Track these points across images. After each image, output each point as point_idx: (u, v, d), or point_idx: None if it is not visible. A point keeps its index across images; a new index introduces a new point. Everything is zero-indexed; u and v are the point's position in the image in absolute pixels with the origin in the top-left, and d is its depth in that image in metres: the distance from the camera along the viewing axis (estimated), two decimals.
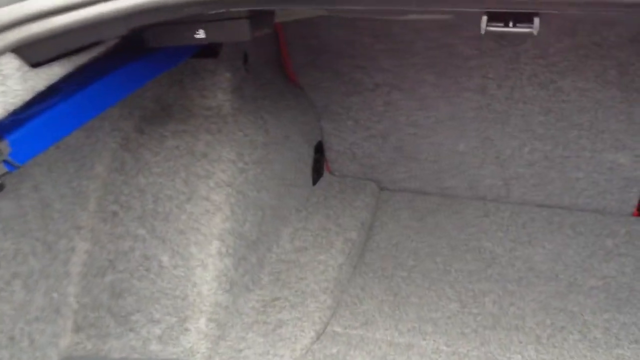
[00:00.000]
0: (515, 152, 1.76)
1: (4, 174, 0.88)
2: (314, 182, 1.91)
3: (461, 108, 1.74)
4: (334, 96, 1.83)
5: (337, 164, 1.99)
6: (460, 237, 1.77)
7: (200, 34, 0.99)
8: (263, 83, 1.69)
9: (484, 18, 0.79)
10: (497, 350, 1.35)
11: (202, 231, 1.34)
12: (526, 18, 0.80)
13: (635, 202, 1.75)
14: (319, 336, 1.38)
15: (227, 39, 0.97)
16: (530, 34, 0.82)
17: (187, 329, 1.28)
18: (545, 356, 1.33)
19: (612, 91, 1.54)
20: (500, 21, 0.80)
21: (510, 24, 0.81)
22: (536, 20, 0.80)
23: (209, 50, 1.35)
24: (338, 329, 1.42)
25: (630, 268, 1.61)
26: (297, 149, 1.76)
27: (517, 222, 1.80)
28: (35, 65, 0.87)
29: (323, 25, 1.68)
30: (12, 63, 0.85)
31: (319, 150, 1.94)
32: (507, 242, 1.74)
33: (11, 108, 0.86)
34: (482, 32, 0.80)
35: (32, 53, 0.85)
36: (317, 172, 1.93)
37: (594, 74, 1.53)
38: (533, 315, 1.46)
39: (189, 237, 1.33)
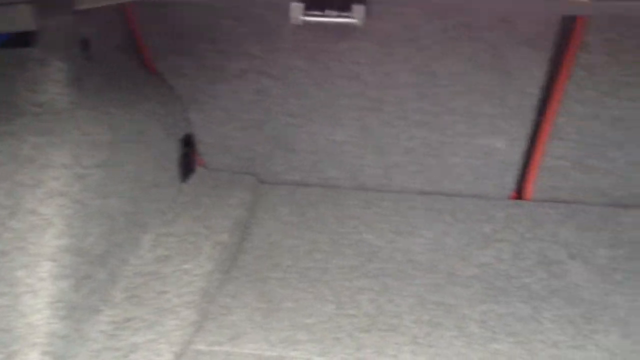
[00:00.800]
0: (394, 140, 1.69)
1: None
2: (183, 179, 1.75)
3: (335, 95, 1.64)
4: (199, 84, 1.66)
5: (211, 157, 1.83)
6: (341, 231, 1.68)
7: None
8: (111, 73, 1.50)
9: (296, 5, 0.67)
10: (372, 355, 1.28)
11: (29, 251, 1.14)
12: (345, 5, 0.69)
13: (513, 186, 1.74)
14: (178, 358, 1.24)
15: (9, 28, 0.79)
16: (355, 26, 0.71)
17: None
18: (421, 357, 1.27)
19: (485, 74, 1.48)
20: (318, 9, 0.68)
21: (330, 14, 0.69)
22: (359, 9, 0.69)
23: (19, 38, 1.14)
24: (202, 347, 1.29)
25: (508, 254, 1.59)
26: (157, 145, 1.59)
27: (398, 211, 1.74)
28: None
29: (178, 7, 1.50)
30: None
31: (188, 143, 1.77)
32: (387, 233, 1.67)
33: None
34: (295, 22, 0.68)
35: None
36: (187, 167, 1.76)
37: (466, 57, 1.47)
38: (410, 312, 1.40)
39: (14, 259, 1.14)
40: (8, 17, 0.77)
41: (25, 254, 1.14)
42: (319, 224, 1.71)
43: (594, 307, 1.41)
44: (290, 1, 0.66)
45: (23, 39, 1.14)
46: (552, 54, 1.42)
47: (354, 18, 0.69)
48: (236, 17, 1.51)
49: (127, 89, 1.53)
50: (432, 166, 1.73)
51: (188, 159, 1.77)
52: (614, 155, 1.59)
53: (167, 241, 1.51)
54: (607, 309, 1.40)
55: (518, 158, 1.67)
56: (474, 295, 1.45)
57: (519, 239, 1.63)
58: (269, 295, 1.45)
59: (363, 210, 1.75)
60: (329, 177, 1.82)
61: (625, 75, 1.42)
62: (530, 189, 1.74)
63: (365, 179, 1.80)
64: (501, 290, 1.47)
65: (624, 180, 1.64)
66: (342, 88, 1.61)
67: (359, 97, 1.63)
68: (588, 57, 1.41)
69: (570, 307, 1.41)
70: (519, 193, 1.77)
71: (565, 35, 1.40)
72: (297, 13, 0.68)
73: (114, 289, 1.34)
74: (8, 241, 1.14)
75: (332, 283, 1.49)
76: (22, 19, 0.77)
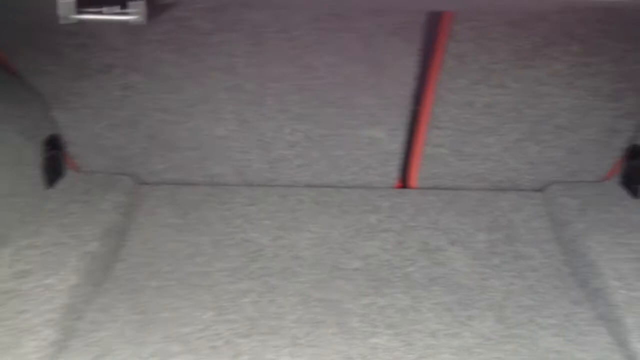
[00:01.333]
0: (276, 134, 1.64)
1: None
2: (50, 184, 1.61)
3: (212, 89, 1.56)
4: (60, 81, 1.53)
5: (83, 159, 1.71)
6: (225, 231, 1.62)
7: None
8: None
9: (65, 2, 0.60)
10: None
11: None
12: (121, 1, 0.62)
13: (397, 175, 1.75)
14: None
15: None
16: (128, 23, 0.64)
17: None
18: (300, 359, 1.25)
19: (360, 66, 1.46)
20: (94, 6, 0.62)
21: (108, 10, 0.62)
22: (137, 4, 0.63)
23: None
24: None
25: (392, 243, 1.59)
26: (12, 150, 1.45)
27: (285, 206, 1.70)
28: None
29: None
30: None
31: (55, 145, 1.63)
32: (273, 230, 1.63)
33: None
34: (67, 21, 0.61)
35: None
36: (53, 172, 1.63)
37: (338, 48, 1.44)
38: (292, 311, 1.37)
39: None
40: None
41: None
42: (202, 225, 1.64)
43: (471, 292, 1.44)
44: None
45: None
46: (421, 44, 1.42)
47: (133, 15, 0.63)
48: None
49: None
50: (318, 159, 1.70)
51: (55, 163, 1.63)
52: (488, 141, 1.63)
53: (28, 254, 1.39)
54: (483, 294, 1.43)
55: (399, 148, 1.67)
56: (357, 288, 1.45)
57: (403, 228, 1.64)
58: (144, 306, 1.37)
59: (248, 208, 1.69)
60: (214, 174, 1.75)
61: (493, 63, 1.45)
62: (414, 177, 1.75)
63: (251, 174, 1.75)
64: (384, 281, 1.47)
65: (500, 165, 1.69)
66: (219, 82, 1.54)
67: (237, 91, 1.56)
68: (457, 46, 1.42)
69: (449, 294, 1.43)
70: (403, 182, 1.78)
71: (434, 25, 1.40)
72: (68, 11, 0.61)
73: None
74: None
75: (214, 288, 1.43)
76: None
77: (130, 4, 0.60)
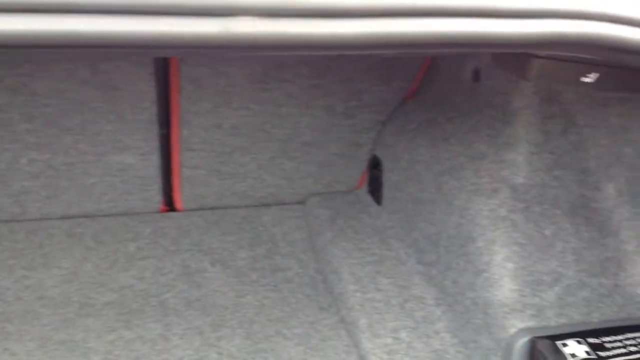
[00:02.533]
0: (13, 166, 1.52)
1: None
2: None
3: None
4: None
5: None
6: None
7: None
8: None
9: None
10: None
11: None
12: None
13: (159, 198, 1.72)
14: None
15: None
16: None
17: None
18: None
19: (90, 91, 1.41)
20: None
21: None
22: None
23: None
24: None
25: (150, 271, 1.56)
26: None
27: (33, 242, 1.58)
28: None
29: None
30: None
31: None
32: (18, 270, 1.50)
33: None
34: None
35: None
36: None
37: (66, 74, 1.38)
38: (27, 358, 1.28)
39: None
40: None
41: None
42: None
43: (225, 312, 1.46)
44: None
45: None
46: (155, 68, 1.41)
47: None
48: None
49: None
50: (67, 188, 1.61)
51: None
52: (244, 160, 1.67)
53: None
54: (236, 312, 1.46)
55: (156, 171, 1.64)
56: (105, 324, 1.39)
57: (163, 253, 1.62)
58: None
59: None
60: None
61: (230, 86, 1.48)
62: (179, 199, 1.74)
63: None
64: (137, 312, 1.43)
65: (259, 182, 1.74)
66: None
67: None
68: (191, 70, 1.43)
69: (203, 317, 1.43)
70: (169, 205, 1.76)
71: None
72: None
73: None
74: None
75: None
76: None
77: None
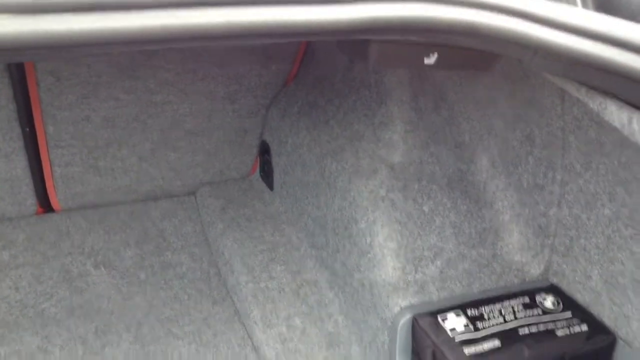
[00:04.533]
0: None
1: None
2: None
3: None
4: None
5: None
6: None
7: None
8: None
9: None
10: None
11: None
12: None
13: (34, 200, 1.59)
14: None
15: None
16: None
17: None
18: None
19: None
20: None
21: None
22: None
23: None
24: None
25: (27, 280, 1.44)
26: None
27: None
28: None
29: None
30: None
31: None
32: None
33: None
34: None
35: None
36: None
37: None
38: None
39: None
40: None
41: None
42: None
43: (111, 316, 1.38)
44: None
45: None
46: (5, 64, 1.28)
47: None
48: None
49: None
50: None
51: None
52: (122, 154, 1.58)
53: None
54: (123, 315, 1.38)
55: (25, 173, 1.52)
56: None
57: (41, 260, 1.50)
58: None
59: None
60: None
61: (95, 76, 1.38)
62: (55, 200, 1.62)
63: None
64: (12, 325, 1.32)
65: (143, 175, 1.65)
66: None
67: None
68: (47, 63, 1.32)
69: (86, 324, 1.35)
70: (46, 207, 1.63)
71: None
72: None
73: None
74: None
75: None
76: None
77: None
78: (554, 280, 1.17)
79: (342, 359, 1.25)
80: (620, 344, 1.03)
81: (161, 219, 1.67)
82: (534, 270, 1.19)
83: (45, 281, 1.45)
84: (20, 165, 1.49)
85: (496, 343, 1.00)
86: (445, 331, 1.02)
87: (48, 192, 1.59)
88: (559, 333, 1.03)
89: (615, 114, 0.74)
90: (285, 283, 1.42)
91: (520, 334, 1.02)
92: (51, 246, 1.54)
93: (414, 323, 1.07)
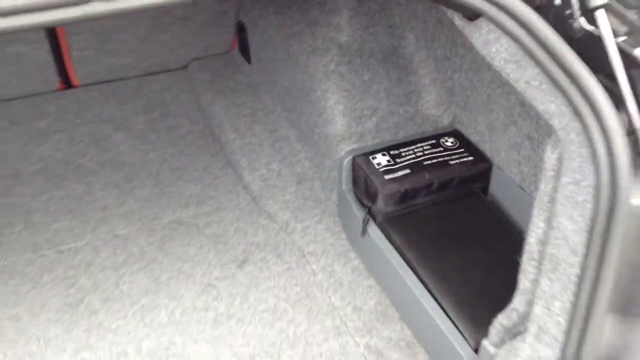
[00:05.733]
0: None
1: None
2: None
3: None
4: None
5: None
6: None
7: None
8: None
9: None
10: None
11: None
12: None
13: (57, 79, 1.96)
14: None
15: None
16: None
17: None
18: None
19: None
20: None
21: None
22: None
23: None
24: None
25: (64, 142, 1.86)
26: None
27: None
28: None
29: None
30: None
31: None
32: None
33: None
34: None
35: None
36: None
37: None
38: None
39: None
40: None
41: None
42: None
43: (134, 168, 1.82)
44: None
45: None
46: None
47: None
48: None
49: None
50: None
51: None
52: (123, 37, 1.91)
53: None
54: (143, 167, 1.83)
55: (49, 57, 1.87)
56: (37, 188, 1.72)
57: (71, 126, 1.91)
58: None
59: None
60: None
61: None
62: (75, 78, 1.98)
63: None
64: (60, 176, 1.77)
65: (143, 54, 2.00)
66: None
67: None
68: None
69: (116, 174, 1.79)
70: (67, 83, 2.00)
71: None
72: None
73: None
74: None
75: None
76: None
77: None
78: (457, 127, 1.60)
79: (307, 190, 1.72)
80: (495, 169, 1.50)
81: (162, 91, 2.06)
82: (445, 121, 1.63)
83: (78, 143, 1.87)
84: (44, 50, 1.83)
85: (407, 171, 1.46)
86: (373, 165, 1.47)
87: (68, 71, 1.95)
88: (452, 162, 1.48)
89: None
90: (264, 139, 1.85)
91: (424, 164, 1.48)
92: (77, 115, 1.94)
93: (354, 161, 1.52)
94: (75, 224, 1.64)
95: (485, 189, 1.53)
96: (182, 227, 1.64)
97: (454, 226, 1.45)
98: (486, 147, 1.50)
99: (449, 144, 1.54)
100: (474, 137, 1.54)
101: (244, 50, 2.06)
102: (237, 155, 1.81)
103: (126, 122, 1.95)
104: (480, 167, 1.50)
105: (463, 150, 1.53)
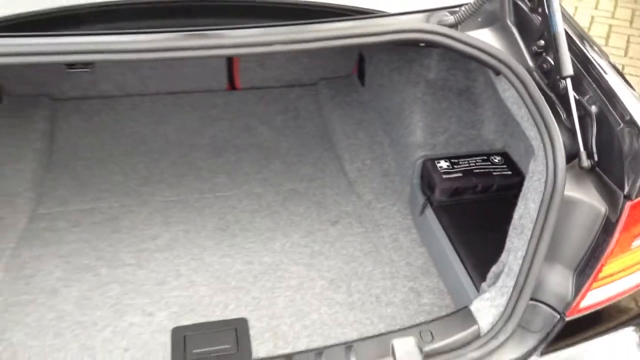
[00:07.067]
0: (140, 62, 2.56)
1: None
2: None
3: None
4: None
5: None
6: (117, 128, 2.57)
7: None
8: None
9: None
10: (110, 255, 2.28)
11: None
12: None
13: (226, 81, 2.75)
14: None
15: None
16: None
17: None
18: (176, 219, 2.29)
19: None
20: None
21: None
22: None
23: None
24: None
25: (226, 126, 2.64)
26: None
27: (154, 108, 2.66)
28: None
29: None
30: None
31: None
32: (150, 124, 2.60)
33: None
34: None
35: None
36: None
37: None
38: (168, 175, 2.39)
39: None
40: None
41: None
42: (101, 125, 2.57)
43: (269, 151, 2.54)
44: None
45: None
46: None
47: None
48: None
49: None
50: (168, 75, 2.64)
51: None
52: (277, 57, 2.66)
53: None
54: (277, 151, 2.54)
55: (224, 65, 2.66)
56: (205, 155, 2.49)
57: (233, 116, 2.69)
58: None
59: (131, 111, 2.63)
60: (103, 89, 2.64)
61: None
62: (238, 82, 2.77)
63: (128, 87, 2.66)
64: (222, 149, 2.53)
65: (287, 70, 2.74)
66: None
67: None
68: None
69: (258, 153, 2.53)
70: (232, 85, 2.79)
71: None
72: None
73: None
74: None
75: (114, 165, 2.42)
76: None
77: None
78: (507, 150, 2.15)
79: (389, 182, 2.34)
80: None
81: (296, 99, 2.79)
82: (498, 145, 2.18)
83: (235, 129, 2.63)
84: (221, 60, 2.63)
85: (460, 174, 2.04)
86: (436, 167, 2.07)
87: (234, 77, 2.74)
88: (494, 173, 2.04)
89: None
90: (364, 141, 2.50)
91: (474, 172, 2.05)
92: (236, 109, 2.71)
93: (424, 163, 2.12)
94: (228, 181, 2.38)
95: (517, 196, 2.06)
96: (297, 194, 2.33)
97: (487, 219, 2.00)
98: (522, 165, 2.04)
99: (496, 161, 2.10)
100: (516, 158, 2.09)
101: (361, 75, 2.74)
102: (342, 151, 2.48)
103: (269, 119, 2.69)
104: (515, 179, 2.04)
105: (506, 166, 2.08)
